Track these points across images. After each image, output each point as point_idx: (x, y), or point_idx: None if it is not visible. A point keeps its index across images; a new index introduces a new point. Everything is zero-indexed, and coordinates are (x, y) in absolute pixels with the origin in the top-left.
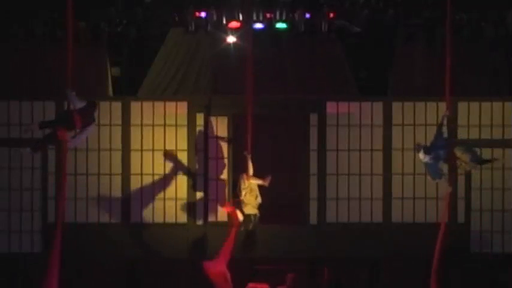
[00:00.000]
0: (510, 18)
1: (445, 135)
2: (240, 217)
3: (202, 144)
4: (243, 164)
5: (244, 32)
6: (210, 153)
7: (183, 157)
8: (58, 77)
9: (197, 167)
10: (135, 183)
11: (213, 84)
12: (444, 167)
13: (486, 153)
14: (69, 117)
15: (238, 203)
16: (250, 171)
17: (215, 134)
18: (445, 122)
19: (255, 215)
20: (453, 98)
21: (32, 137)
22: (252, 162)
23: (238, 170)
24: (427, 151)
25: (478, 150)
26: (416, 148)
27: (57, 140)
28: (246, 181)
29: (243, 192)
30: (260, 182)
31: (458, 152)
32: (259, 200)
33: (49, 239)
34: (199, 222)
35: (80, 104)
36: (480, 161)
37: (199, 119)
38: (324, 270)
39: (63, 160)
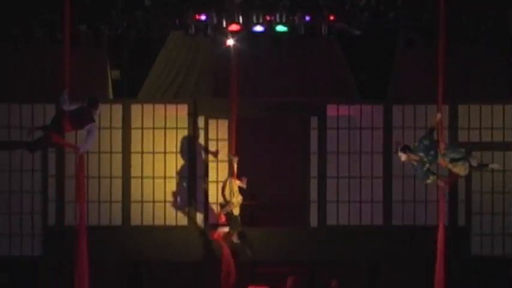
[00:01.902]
0: (510, 20)
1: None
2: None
3: (202, 146)
4: (230, 167)
5: (243, 34)
6: (210, 155)
7: (183, 160)
8: (59, 79)
9: (197, 169)
10: (135, 186)
11: (213, 87)
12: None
13: (487, 156)
14: (58, 121)
15: (226, 206)
16: (235, 172)
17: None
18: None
19: (239, 216)
20: (453, 101)
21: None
22: (237, 164)
23: (239, 172)
24: (403, 150)
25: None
26: (396, 147)
27: (52, 143)
28: (233, 183)
29: (235, 194)
30: (239, 183)
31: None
32: (241, 200)
33: (49, 242)
34: (200, 224)
35: (71, 107)
36: (477, 165)
37: (200, 121)
38: (324, 273)
39: (80, 166)
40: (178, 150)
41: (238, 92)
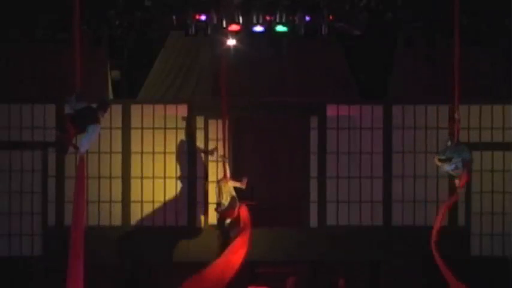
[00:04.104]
0: (510, 20)
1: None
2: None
3: (202, 146)
4: (223, 168)
5: (243, 34)
6: (209, 155)
7: (183, 160)
8: (59, 80)
9: (197, 169)
10: (135, 186)
11: (213, 87)
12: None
13: (486, 156)
14: (62, 123)
15: (218, 207)
16: (228, 174)
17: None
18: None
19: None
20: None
21: (32, 140)
22: (229, 164)
23: (238, 173)
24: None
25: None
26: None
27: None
28: (226, 184)
29: (225, 196)
30: (238, 184)
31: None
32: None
33: (49, 242)
34: (200, 225)
35: (77, 106)
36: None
37: (200, 121)
38: (324, 273)
39: (80, 166)
40: (178, 150)
41: (229, 92)
